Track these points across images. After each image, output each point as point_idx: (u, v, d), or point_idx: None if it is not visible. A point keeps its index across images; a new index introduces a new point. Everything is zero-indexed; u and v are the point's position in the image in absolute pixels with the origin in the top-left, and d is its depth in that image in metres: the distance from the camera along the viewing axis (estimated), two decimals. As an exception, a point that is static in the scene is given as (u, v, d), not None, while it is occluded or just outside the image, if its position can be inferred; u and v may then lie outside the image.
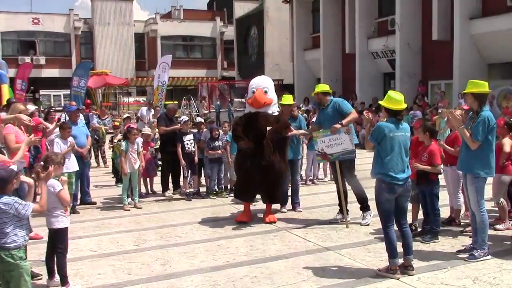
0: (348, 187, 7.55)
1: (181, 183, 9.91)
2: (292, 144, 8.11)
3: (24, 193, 5.00)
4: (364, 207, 7.46)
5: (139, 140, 9.18)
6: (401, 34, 20.67)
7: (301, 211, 8.19)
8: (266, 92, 7.51)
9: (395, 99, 5.40)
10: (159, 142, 10.59)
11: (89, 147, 9.41)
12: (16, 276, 4.13)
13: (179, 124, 9.81)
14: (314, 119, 9.58)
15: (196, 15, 46.57)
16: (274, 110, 7.65)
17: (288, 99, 8.43)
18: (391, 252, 5.29)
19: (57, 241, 5.15)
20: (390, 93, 5.52)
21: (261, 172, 7.26)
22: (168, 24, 42.76)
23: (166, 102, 17.47)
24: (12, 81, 16.53)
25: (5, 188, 4.14)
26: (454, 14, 18.11)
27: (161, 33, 41.90)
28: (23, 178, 4.39)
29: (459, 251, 5.98)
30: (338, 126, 7.17)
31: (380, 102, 5.64)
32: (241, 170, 7.62)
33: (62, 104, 27.69)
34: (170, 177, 9.97)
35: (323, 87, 7.66)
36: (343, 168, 7.42)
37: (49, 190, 5.01)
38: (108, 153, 10.34)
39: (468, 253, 5.79)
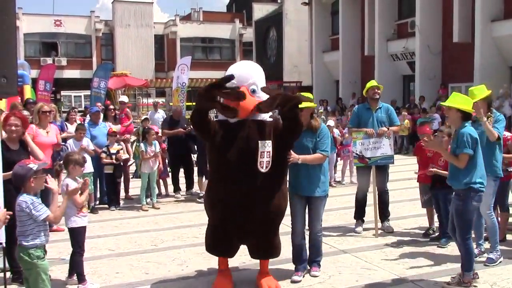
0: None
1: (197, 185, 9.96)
2: (309, 171, 5.28)
3: (48, 201, 5.10)
4: (387, 216, 7.37)
5: (157, 141, 9.27)
6: (421, 36, 20.50)
7: (317, 275, 5.43)
8: (254, 91, 4.76)
9: (467, 98, 5.12)
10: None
11: None
12: (33, 275, 4.20)
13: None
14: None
15: (215, 17, 46.78)
16: (265, 115, 4.91)
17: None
18: (469, 265, 5.03)
19: (72, 240, 5.22)
20: (457, 94, 5.19)
21: (249, 210, 4.70)
22: (187, 26, 43.03)
23: (187, 104, 17.55)
24: (34, 82, 16.77)
25: (24, 186, 4.21)
26: (476, 16, 17.92)
27: (181, 34, 42.19)
28: (50, 184, 4.42)
29: (477, 255, 5.93)
30: (385, 129, 6.99)
31: (452, 105, 5.04)
32: (216, 207, 4.87)
33: (83, 105, 28.02)
34: (179, 177, 10.09)
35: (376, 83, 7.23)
36: (379, 172, 7.12)
37: (63, 189, 5.07)
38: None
39: (486, 257, 5.76)
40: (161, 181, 10.17)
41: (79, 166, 5.25)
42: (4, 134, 5.31)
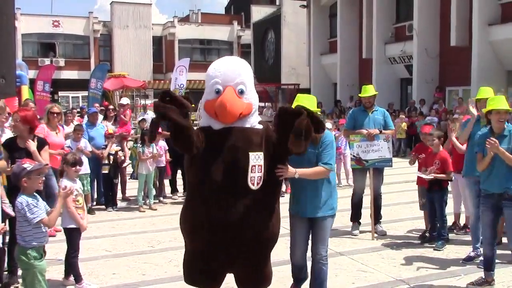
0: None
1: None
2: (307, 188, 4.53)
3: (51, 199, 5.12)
4: (379, 219, 7.38)
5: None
6: (418, 40, 20.56)
7: None
8: (242, 92, 3.88)
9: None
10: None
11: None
12: (30, 275, 4.22)
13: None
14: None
15: (214, 19, 46.81)
16: (254, 121, 3.98)
17: (305, 101, 4.60)
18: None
19: (67, 240, 5.23)
20: (501, 96, 5.19)
21: (237, 235, 3.85)
22: (186, 28, 43.03)
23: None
24: (32, 82, 16.72)
25: (19, 185, 4.25)
26: (473, 20, 17.98)
27: (179, 36, 42.19)
28: (66, 182, 4.48)
29: (464, 260, 6.00)
30: (377, 130, 7.03)
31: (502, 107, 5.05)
32: (196, 233, 3.95)
33: (80, 106, 28.01)
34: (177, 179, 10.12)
35: (374, 90, 7.33)
36: (374, 175, 7.15)
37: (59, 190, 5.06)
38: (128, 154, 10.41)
39: (480, 259, 5.81)
40: (164, 181, 10.15)
41: (70, 166, 5.18)
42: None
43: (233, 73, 3.89)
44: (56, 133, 7.11)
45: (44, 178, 4.45)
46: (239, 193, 3.81)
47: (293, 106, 4.41)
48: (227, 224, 3.81)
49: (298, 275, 4.87)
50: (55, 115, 7.13)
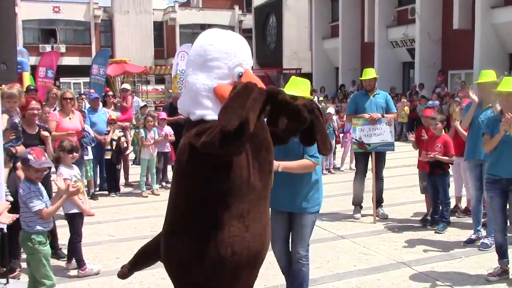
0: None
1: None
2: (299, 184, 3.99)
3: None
4: (381, 202, 7.42)
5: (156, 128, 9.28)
6: (421, 23, 20.45)
7: None
8: None
9: None
10: None
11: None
12: (35, 259, 4.24)
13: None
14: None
15: (215, 3, 46.50)
16: None
17: (301, 86, 3.96)
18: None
19: (69, 225, 5.27)
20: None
21: (263, 257, 2.84)
22: (186, 13, 42.81)
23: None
24: (33, 68, 16.71)
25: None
26: (476, 2, 17.86)
27: (180, 21, 41.98)
28: (58, 183, 4.50)
29: (465, 242, 6.02)
30: (379, 115, 7.01)
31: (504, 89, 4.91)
32: (222, 271, 2.63)
33: (82, 92, 28.02)
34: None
35: (375, 73, 7.30)
36: (377, 158, 7.13)
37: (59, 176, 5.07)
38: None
39: (481, 242, 5.86)
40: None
41: (67, 153, 5.11)
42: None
43: (249, 51, 2.96)
44: (70, 118, 7.16)
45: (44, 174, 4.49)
46: (267, 199, 2.87)
47: (286, 90, 3.63)
48: (262, 247, 2.78)
49: (285, 274, 4.29)
50: (68, 100, 7.18)
